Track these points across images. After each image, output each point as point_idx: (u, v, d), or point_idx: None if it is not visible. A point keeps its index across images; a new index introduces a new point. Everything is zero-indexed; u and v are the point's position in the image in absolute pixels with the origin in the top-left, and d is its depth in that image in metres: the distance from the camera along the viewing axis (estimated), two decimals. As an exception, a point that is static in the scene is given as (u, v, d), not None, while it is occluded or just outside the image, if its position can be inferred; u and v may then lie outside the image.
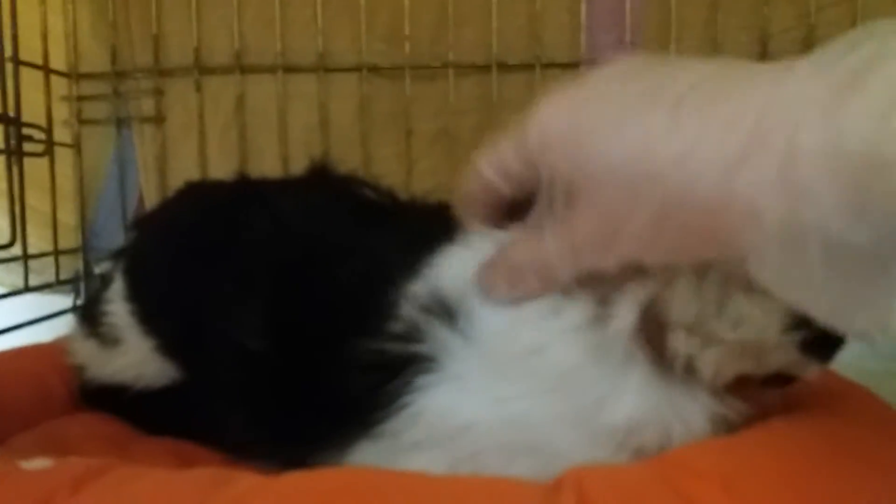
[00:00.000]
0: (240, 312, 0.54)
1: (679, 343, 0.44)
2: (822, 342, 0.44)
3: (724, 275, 0.42)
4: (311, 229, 0.56)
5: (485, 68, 0.98)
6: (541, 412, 0.44)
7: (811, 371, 0.46)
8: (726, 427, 0.46)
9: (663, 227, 0.38)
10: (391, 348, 0.46)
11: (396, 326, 0.46)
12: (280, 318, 0.52)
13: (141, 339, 0.66)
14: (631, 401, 0.44)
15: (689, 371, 0.44)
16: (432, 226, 0.52)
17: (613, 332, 0.44)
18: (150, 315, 0.66)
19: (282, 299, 0.52)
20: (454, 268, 0.47)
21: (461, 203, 0.50)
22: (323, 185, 0.67)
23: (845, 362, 0.62)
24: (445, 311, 0.45)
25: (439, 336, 0.45)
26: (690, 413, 0.44)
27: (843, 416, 0.48)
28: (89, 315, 0.73)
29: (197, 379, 0.63)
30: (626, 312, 0.44)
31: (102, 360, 0.70)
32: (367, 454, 0.47)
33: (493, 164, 0.48)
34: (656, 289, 0.43)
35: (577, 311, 0.45)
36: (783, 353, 0.44)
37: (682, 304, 0.43)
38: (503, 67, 0.98)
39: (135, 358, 0.67)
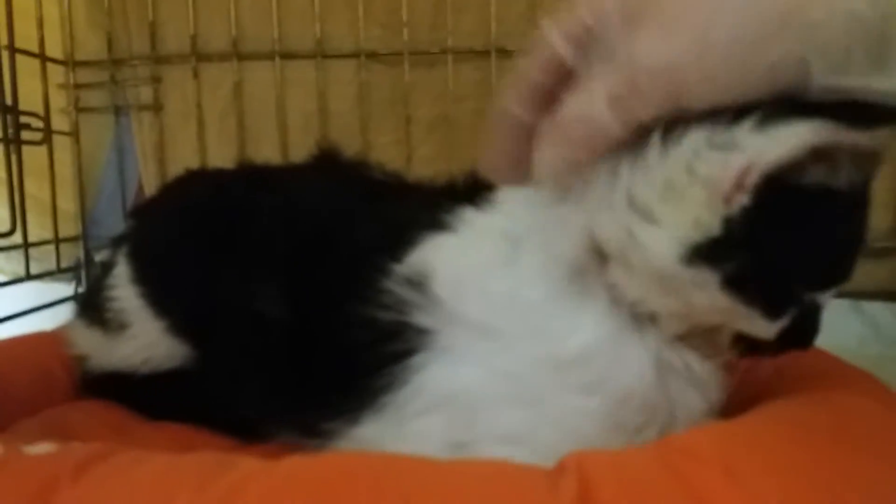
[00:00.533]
0: (259, 285, 0.57)
1: (611, 273, 0.46)
2: (743, 281, 0.42)
3: (630, 200, 0.44)
4: (323, 209, 0.60)
5: (484, 54, 0.98)
6: (523, 360, 0.47)
7: (764, 330, 0.45)
8: (686, 382, 0.47)
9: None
10: (385, 318, 0.50)
11: (389, 299, 0.50)
12: (296, 290, 0.56)
13: (151, 321, 0.67)
14: (583, 334, 0.47)
15: (635, 312, 0.47)
16: (433, 206, 0.55)
17: (566, 268, 0.48)
18: (162, 296, 0.66)
19: (297, 273, 0.56)
20: (441, 246, 0.52)
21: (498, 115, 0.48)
22: (332, 169, 0.69)
23: (847, 347, 0.63)
24: (425, 285, 0.50)
25: (426, 310, 0.49)
26: (635, 354, 0.47)
27: (844, 399, 0.48)
28: (91, 304, 0.73)
29: (210, 355, 0.63)
30: (570, 247, 0.47)
31: (108, 348, 0.70)
32: (374, 425, 0.50)
33: (562, 27, 0.46)
34: (591, 222, 0.46)
35: (532, 256, 0.49)
36: (705, 294, 0.43)
37: (609, 233, 0.45)
38: (502, 53, 0.98)
39: (144, 341, 0.67)
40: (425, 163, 1.00)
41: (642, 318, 0.47)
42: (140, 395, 0.69)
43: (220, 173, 0.79)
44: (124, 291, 0.68)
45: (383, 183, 0.65)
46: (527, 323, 0.48)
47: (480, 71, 0.99)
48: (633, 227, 0.44)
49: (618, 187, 0.44)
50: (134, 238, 0.72)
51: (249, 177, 0.71)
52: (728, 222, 0.42)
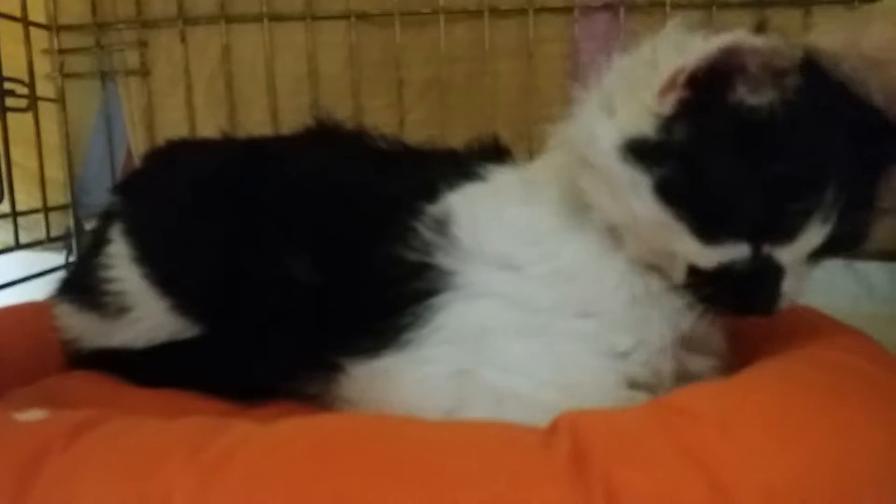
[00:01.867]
0: (286, 248, 0.60)
1: (582, 180, 0.52)
2: (673, 190, 0.46)
3: (602, 98, 0.51)
4: (339, 176, 0.63)
5: (476, 14, 0.96)
6: (531, 283, 0.52)
7: (702, 257, 0.48)
8: (650, 307, 0.51)
9: None
10: (413, 259, 0.54)
11: (416, 242, 0.55)
12: (325, 252, 0.59)
13: (156, 301, 0.66)
14: (571, 253, 0.53)
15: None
16: (445, 164, 0.62)
17: (572, 203, 0.54)
18: (170, 274, 0.66)
19: (325, 236, 0.60)
20: (463, 193, 0.58)
21: None
22: (337, 139, 0.70)
23: (841, 306, 0.63)
24: (447, 227, 0.55)
25: (447, 251, 0.54)
26: (610, 274, 0.52)
27: (838, 357, 0.48)
28: (82, 286, 0.72)
29: (225, 323, 0.63)
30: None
31: (104, 331, 0.69)
32: (392, 358, 0.53)
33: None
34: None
35: (546, 195, 0.56)
36: (640, 201, 0.47)
37: (582, 137, 0.52)
38: (495, 13, 0.96)
39: (149, 323, 0.67)
40: (418, 126, 0.99)
41: (617, 241, 0.52)
42: (134, 367, 0.68)
43: (206, 144, 0.80)
44: (124, 272, 0.67)
45: (390, 149, 0.68)
46: (537, 248, 0.54)
47: (473, 31, 0.97)
48: (595, 124, 0.49)
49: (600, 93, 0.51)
50: (131, 216, 0.70)
51: (251, 149, 0.71)
52: (661, 124, 0.47)
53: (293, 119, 0.98)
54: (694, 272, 0.49)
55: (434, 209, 0.56)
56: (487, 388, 0.51)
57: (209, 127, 1.01)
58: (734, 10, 0.93)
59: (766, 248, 0.47)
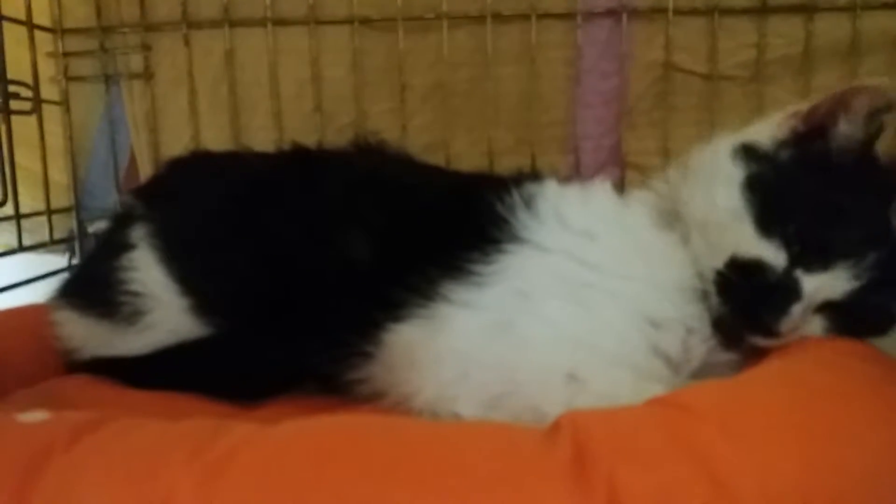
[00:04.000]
0: (344, 239, 0.64)
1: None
2: (755, 187, 0.57)
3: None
4: (392, 176, 0.70)
5: (479, 19, 0.96)
6: (604, 251, 0.59)
7: (751, 246, 0.55)
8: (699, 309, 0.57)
9: None
10: (495, 213, 0.61)
11: (500, 207, 0.61)
12: (384, 238, 0.63)
13: (176, 300, 0.66)
14: (651, 235, 0.61)
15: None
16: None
17: (657, 215, 0.63)
18: (202, 274, 0.67)
19: (382, 224, 0.64)
20: (549, 187, 0.64)
21: None
22: (377, 153, 0.75)
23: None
24: (533, 202, 0.62)
25: (528, 218, 0.61)
26: (679, 262, 0.59)
27: (839, 360, 0.49)
28: (88, 291, 0.72)
29: (259, 320, 0.64)
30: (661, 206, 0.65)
31: (110, 339, 0.69)
32: (450, 288, 0.58)
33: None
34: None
35: (636, 205, 0.65)
36: (726, 190, 0.57)
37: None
38: (498, 18, 0.96)
39: (163, 327, 0.67)
40: (421, 131, 0.99)
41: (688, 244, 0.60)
42: (136, 370, 0.68)
43: (234, 154, 0.84)
44: (145, 275, 0.68)
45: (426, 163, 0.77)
46: (617, 226, 0.61)
47: (476, 37, 0.97)
48: (721, 139, 0.61)
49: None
50: (159, 218, 0.70)
51: (296, 155, 0.75)
52: (774, 142, 0.58)
53: (296, 123, 1.00)
54: (729, 272, 0.55)
55: (520, 190, 0.63)
56: (515, 335, 0.55)
57: (213, 130, 1.02)
58: (736, 16, 0.94)
59: (797, 272, 0.53)
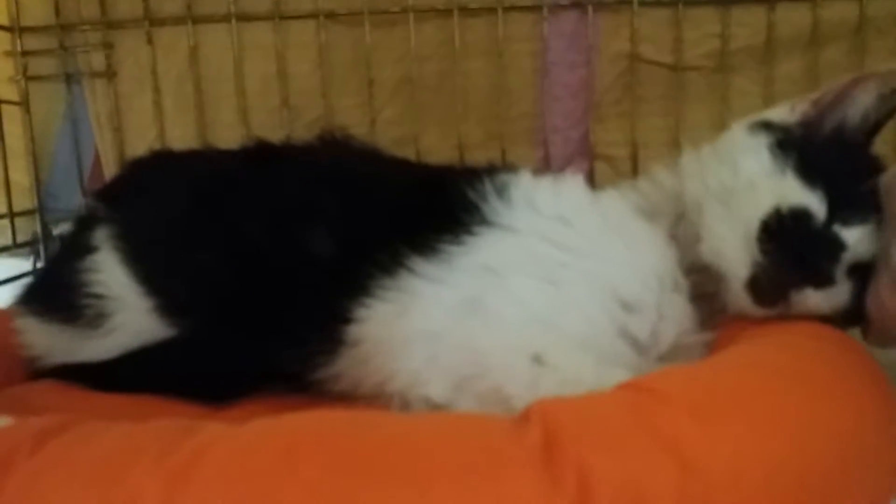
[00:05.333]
0: (307, 235, 0.63)
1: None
2: (784, 148, 0.59)
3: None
4: (358, 169, 0.69)
5: (446, 13, 0.96)
6: (579, 234, 0.59)
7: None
8: (678, 296, 0.58)
9: None
10: (467, 199, 0.61)
11: (472, 194, 0.61)
12: (349, 231, 0.63)
13: (140, 301, 0.65)
14: (634, 223, 0.61)
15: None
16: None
17: (635, 208, 0.64)
18: (166, 274, 0.66)
19: (346, 218, 0.63)
20: (524, 177, 0.64)
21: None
22: (343, 145, 0.74)
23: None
24: (506, 190, 0.61)
25: (500, 204, 0.60)
26: (659, 246, 0.59)
27: (804, 343, 0.49)
28: (50, 296, 0.70)
29: (225, 318, 0.64)
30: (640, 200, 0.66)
31: (75, 345, 0.67)
32: (420, 267, 0.58)
33: None
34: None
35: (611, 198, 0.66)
36: (751, 157, 0.59)
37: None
38: (465, 11, 0.96)
39: (127, 329, 0.66)
40: (389, 125, 0.99)
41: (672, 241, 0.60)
42: (102, 374, 0.67)
43: (195, 152, 0.82)
44: (108, 276, 0.67)
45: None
46: (592, 213, 0.61)
47: (443, 31, 0.97)
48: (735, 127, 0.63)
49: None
50: (121, 219, 0.69)
51: (259, 150, 0.73)
52: (798, 122, 0.61)
53: (263, 120, 0.99)
54: (774, 222, 0.55)
55: (492, 179, 0.62)
56: (483, 314, 0.55)
57: (178, 128, 1.00)
58: (700, 7, 0.95)
59: (837, 226, 0.54)
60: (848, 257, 0.54)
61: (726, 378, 0.43)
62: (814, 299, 0.53)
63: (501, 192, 0.62)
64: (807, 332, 0.52)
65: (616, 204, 0.64)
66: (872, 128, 0.60)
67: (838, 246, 0.54)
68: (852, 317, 0.55)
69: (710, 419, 0.38)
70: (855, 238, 0.54)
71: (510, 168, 0.66)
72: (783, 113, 0.63)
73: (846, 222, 0.54)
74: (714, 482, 0.36)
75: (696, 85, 0.96)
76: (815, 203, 0.55)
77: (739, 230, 0.56)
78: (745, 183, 0.58)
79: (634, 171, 0.95)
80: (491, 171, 0.65)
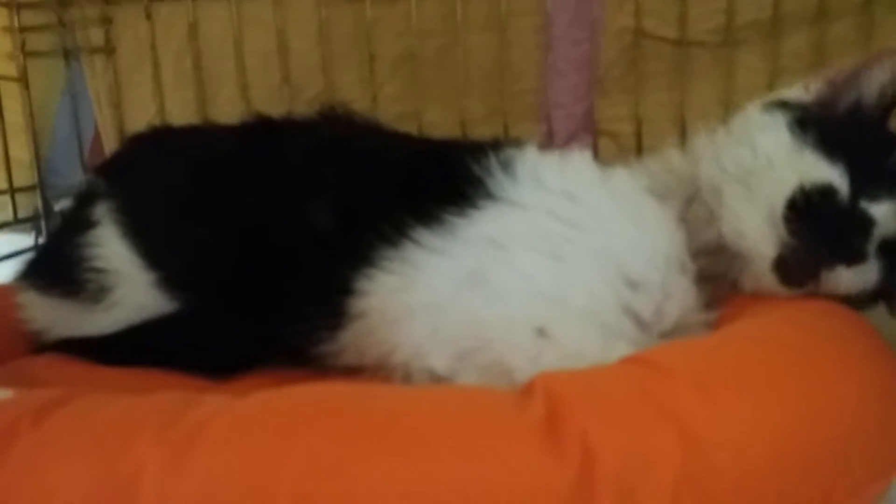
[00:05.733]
0: (309, 208, 0.62)
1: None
2: (803, 125, 0.58)
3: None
4: (360, 143, 0.68)
5: (448, -13, 0.95)
6: (585, 210, 0.58)
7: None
8: (683, 277, 0.57)
9: None
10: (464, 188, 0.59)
11: (477, 168, 0.60)
12: (351, 204, 0.62)
13: (141, 274, 0.65)
14: (643, 199, 0.60)
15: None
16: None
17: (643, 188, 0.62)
18: (168, 248, 0.66)
19: (349, 190, 0.63)
20: (530, 152, 0.63)
21: None
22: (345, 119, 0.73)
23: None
24: (511, 166, 0.61)
25: (505, 179, 0.60)
26: (666, 227, 0.58)
27: (811, 319, 0.49)
28: (52, 271, 0.70)
29: (228, 290, 0.63)
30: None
31: (77, 319, 0.67)
32: (425, 238, 0.57)
33: None
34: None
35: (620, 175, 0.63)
36: (768, 135, 0.58)
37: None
38: (467, -15, 0.95)
39: (129, 304, 0.66)
40: (391, 102, 0.98)
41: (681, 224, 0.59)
42: (106, 348, 0.67)
43: (195, 128, 0.81)
44: (109, 250, 0.66)
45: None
46: (600, 190, 0.60)
47: (445, 5, 0.95)
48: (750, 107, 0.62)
49: None
50: (122, 194, 0.68)
51: (259, 124, 0.73)
52: (816, 98, 0.61)
53: (263, 96, 0.98)
54: (800, 199, 0.54)
55: (497, 154, 0.61)
56: (486, 287, 0.54)
57: (178, 104, 1.00)
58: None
59: (864, 202, 0.53)
60: (878, 233, 0.53)
61: (731, 351, 0.43)
62: (846, 277, 0.52)
63: (507, 167, 0.61)
64: (811, 307, 0.51)
65: (625, 182, 0.63)
66: (889, 105, 0.59)
67: (868, 221, 0.53)
68: (875, 296, 0.54)
69: (714, 392, 0.38)
70: (883, 214, 0.53)
71: (516, 143, 0.65)
72: (798, 92, 0.62)
73: (874, 198, 0.53)
74: (718, 455, 0.36)
75: (701, 60, 0.95)
76: (837, 178, 0.54)
77: (763, 210, 0.55)
78: (764, 162, 0.57)
79: (638, 147, 0.95)
80: (496, 145, 0.64)
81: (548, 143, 0.97)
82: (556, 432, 0.36)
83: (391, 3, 0.96)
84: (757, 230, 0.55)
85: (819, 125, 0.57)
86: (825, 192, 0.54)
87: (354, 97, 0.96)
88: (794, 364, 0.41)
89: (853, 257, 0.52)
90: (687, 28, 0.94)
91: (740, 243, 0.56)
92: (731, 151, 0.60)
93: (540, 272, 0.55)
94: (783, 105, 0.61)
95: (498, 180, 0.60)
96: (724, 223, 0.57)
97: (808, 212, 0.53)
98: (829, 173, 0.54)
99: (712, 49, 0.94)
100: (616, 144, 0.97)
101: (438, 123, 0.97)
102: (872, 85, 0.59)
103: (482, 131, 0.94)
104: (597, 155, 0.96)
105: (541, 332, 0.52)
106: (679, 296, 0.57)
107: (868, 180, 0.54)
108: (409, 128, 0.93)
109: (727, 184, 0.58)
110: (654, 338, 0.54)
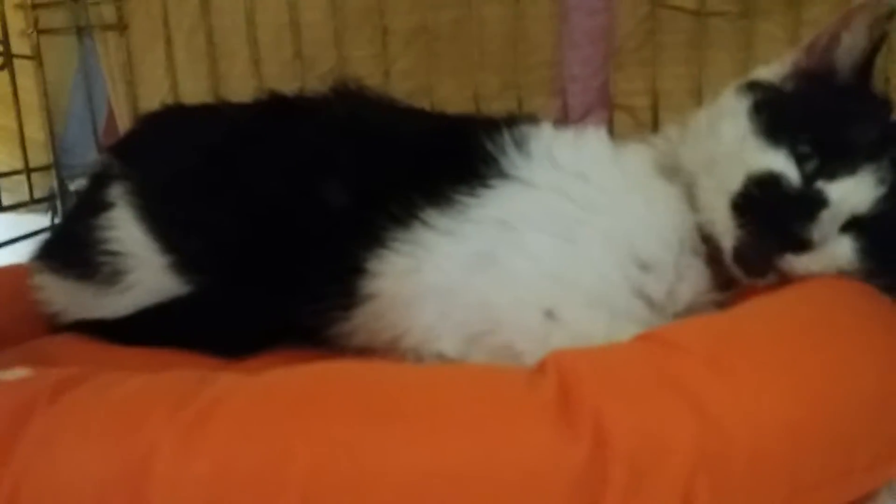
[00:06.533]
0: (322, 187, 0.62)
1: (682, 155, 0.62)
2: (761, 110, 0.56)
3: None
4: (373, 120, 0.67)
5: (461, -43, 0.93)
6: (596, 190, 0.58)
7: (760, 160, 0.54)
8: (694, 259, 0.56)
9: None
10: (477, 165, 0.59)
11: (491, 145, 0.60)
12: (365, 180, 0.62)
13: (156, 258, 0.65)
14: (647, 177, 0.60)
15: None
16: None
17: (652, 165, 0.62)
18: (184, 230, 0.65)
19: (362, 169, 0.62)
20: (544, 129, 0.63)
21: None
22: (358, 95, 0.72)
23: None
24: (525, 143, 0.60)
25: (518, 157, 0.60)
26: (674, 208, 0.58)
27: (825, 294, 0.48)
28: (67, 253, 0.70)
29: (242, 272, 0.63)
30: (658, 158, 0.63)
31: (92, 301, 0.67)
32: (435, 219, 0.57)
33: None
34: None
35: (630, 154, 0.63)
36: (734, 121, 0.57)
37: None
38: (482, -44, 0.93)
39: (143, 286, 0.66)
40: (404, 76, 0.97)
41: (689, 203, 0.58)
42: (121, 328, 0.67)
43: (208, 107, 0.80)
44: (125, 233, 0.66)
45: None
46: (612, 168, 0.60)
47: (458, -24, 0.94)
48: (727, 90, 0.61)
49: None
50: (137, 175, 0.68)
51: (273, 102, 0.72)
52: (780, 77, 0.59)
53: (276, 71, 0.97)
54: (747, 189, 0.53)
55: (512, 131, 0.61)
56: (496, 269, 0.54)
57: (191, 81, 0.99)
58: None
59: (819, 183, 0.51)
60: (835, 214, 0.50)
61: (745, 328, 0.42)
62: (799, 264, 0.51)
63: (521, 144, 0.60)
64: (828, 283, 0.50)
65: (637, 161, 0.62)
66: (864, 63, 0.57)
67: (816, 204, 0.50)
68: (883, 272, 0.52)
69: (729, 369, 0.38)
70: (842, 192, 0.50)
71: (531, 119, 0.64)
72: (772, 70, 0.61)
73: (832, 176, 0.51)
74: (733, 432, 0.36)
75: (720, 31, 0.92)
76: (780, 164, 0.52)
77: (724, 202, 0.54)
78: (725, 151, 0.56)
79: (655, 121, 0.93)
80: (511, 122, 0.63)
81: (563, 117, 0.96)
82: (568, 410, 0.35)
83: (403, -24, 0.95)
84: (721, 222, 0.54)
85: (773, 107, 0.56)
86: (766, 181, 0.52)
87: (366, 72, 0.95)
88: (810, 341, 0.41)
89: (797, 244, 0.50)
90: (706, -2, 0.92)
91: (713, 234, 0.56)
92: (704, 139, 0.59)
93: (550, 254, 0.54)
94: (755, 85, 0.59)
95: (511, 158, 0.59)
96: (699, 213, 0.57)
97: (753, 202, 0.52)
98: (773, 160, 0.53)
99: (731, 19, 0.92)
100: (632, 119, 0.95)
101: (452, 98, 0.96)
102: (845, 45, 0.57)
103: (496, 106, 0.93)
104: (612, 129, 0.95)
105: (549, 315, 0.51)
106: (692, 277, 0.56)
107: (830, 156, 0.52)
108: (422, 103, 0.91)
109: (700, 173, 0.58)
110: (666, 319, 0.54)
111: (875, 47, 0.57)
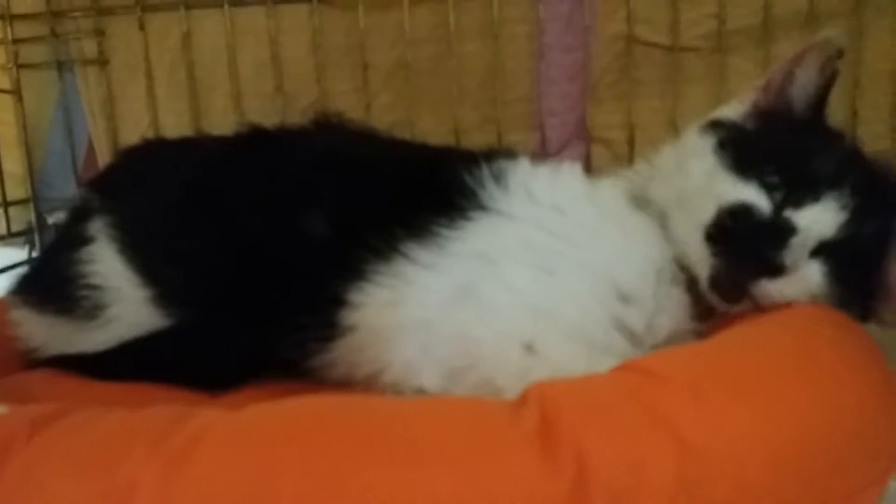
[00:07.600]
0: (303, 220, 0.62)
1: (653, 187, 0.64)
2: (726, 146, 0.59)
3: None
4: (353, 152, 0.68)
5: (441, -5, 0.95)
6: (573, 222, 0.59)
7: (730, 191, 0.56)
8: (672, 287, 0.57)
9: None
10: (456, 198, 0.60)
11: (470, 179, 0.61)
12: (345, 212, 0.62)
13: (137, 291, 0.65)
14: (626, 212, 0.61)
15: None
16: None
17: (627, 198, 0.63)
18: (164, 263, 0.65)
19: (343, 201, 0.63)
20: (521, 164, 0.64)
21: None
22: (339, 128, 0.74)
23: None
24: (504, 178, 0.62)
25: (497, 191, 0.61)
26: (654, 240, 0.59)
27: (805, 324, 0.49)
28: (46, 288, 0.70)
29: (223, 306, 0.63)
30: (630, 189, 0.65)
31: (71, 337, 0.67)
32: (415, 252, 0.57)
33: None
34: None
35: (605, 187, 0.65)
36: (700, 161, 0.59)
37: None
38: (459, -7, 0.95)
39: (123, 321, 0.65)
40: (385, 111, 0.98)
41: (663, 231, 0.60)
42: (100, 364, 0.66)
43: (188, 140, 0.81)
44: (105, 267, 0.66)
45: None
46: (588, 203, 0.62)
47: (438, 14, 0.96)
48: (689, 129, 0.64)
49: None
50: (117, 209, 0.68)
51: (254, 135, 0.72)
52: (741, 115, 0.62)
53: (257, 106, 0.98)
54: (719, 220, 0.55)
55: (490, 165, 0.63)
56: (476, 302, 0.55)
57: (172, 116, 1.00)
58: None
59: (787, 212, 0.54)
60: (803, 240, 0.53)
61: (724, 357, 0.43)
62: (773, 289, 0.53)
63: (499, 178, 0.61)
64: (805, 312, 0.51)
65: (612, 194, 0.64)
66: (818, 100, 0.60)
67: (786, 232, 0.53)
68: (851, 296, 0.54)
69: (709, 399, 0.38)
70: (809, 219, 0.53)
71: (509, 154, 0.66)
72: (732, 108, 0.63)
73: (798, 204, 0.54)
74: (714, 463, 0.36)
75: (693, 66, 0.95)
76: (752, 195, 0.55)
77: (698, 234, 0.56)
78: (695, 186, 0.58)
79: (631, 154, 0.95)
80: (489, 156, 0.65)
81: (541, 151, 0.98)
82: (550, 441, 0.36)
83: (384, 12, 0.97)
84: (695, 253, 0.56)
85: (738, 143, 0.59)
86: (739, 212, 0.55)
87: (348, 106, 0.96)
88: (789, 370, 0.41)
89: (770, 269, 0.53)
90: (679, 34, 0.94)
91: (688, 264, 0.57)
92: (671, 176, 0.62)
93: (530, 286, 0.55)
94: (717, 124, 0.62)
95: (490, 191, 0.61)
96: (672, 245, 0.58)
97: (727, 232, 0.55)
98: (744, 192, 0.55)
99: (704, 55, 0.95)
100: (609, 152, 0.97)
101: (432, 132, 0.97)
102: (800, 83, 0.60)
103: (475, 139, 0.94)
104: (590, 162, 0.97)
105: (529, 348, 0.52)
106: (671, 308, 0.57)
107: (795, 187, 0.54)
108: (403, 136, 0.93)
109: (670, 209, 0.60)
110: (645, 351, 0.54)
111: (827, 84, 0.60)
